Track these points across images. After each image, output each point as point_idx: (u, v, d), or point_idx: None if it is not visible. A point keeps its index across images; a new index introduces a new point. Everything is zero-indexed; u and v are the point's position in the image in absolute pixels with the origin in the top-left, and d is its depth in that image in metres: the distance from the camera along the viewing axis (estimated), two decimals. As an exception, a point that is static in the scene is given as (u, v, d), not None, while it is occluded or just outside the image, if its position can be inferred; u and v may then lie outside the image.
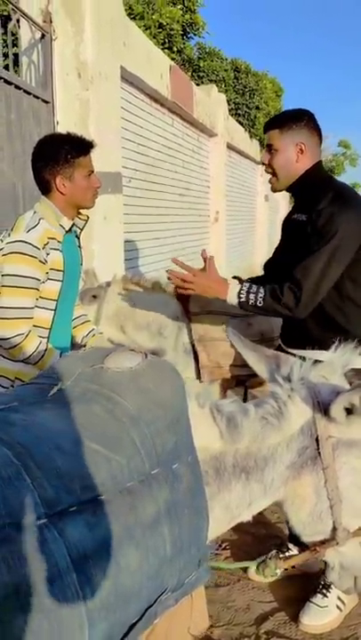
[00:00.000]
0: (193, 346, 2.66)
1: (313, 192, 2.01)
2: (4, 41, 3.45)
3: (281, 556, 1.43)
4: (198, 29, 8.96)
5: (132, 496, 0.89)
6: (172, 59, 7.83)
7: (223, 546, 2.69)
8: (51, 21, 3.81)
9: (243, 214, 12.15)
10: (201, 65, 11.14)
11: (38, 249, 1.97)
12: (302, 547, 1.39)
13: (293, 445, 1.23)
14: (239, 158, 11.48)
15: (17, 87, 3.38)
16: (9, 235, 2.01)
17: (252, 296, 1.94)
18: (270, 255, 2.44)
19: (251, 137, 12.51)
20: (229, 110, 10.93)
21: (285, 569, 2.33)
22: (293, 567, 2.38)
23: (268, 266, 2.37)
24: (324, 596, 2.17)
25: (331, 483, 1.21)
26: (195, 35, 9.16)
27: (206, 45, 11.30)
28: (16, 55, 3.70)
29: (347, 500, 1.24)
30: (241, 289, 1.96)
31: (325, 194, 1.95)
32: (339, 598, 2.18)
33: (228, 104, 11.16)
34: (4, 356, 2.06)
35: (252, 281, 2.40)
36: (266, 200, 14.68)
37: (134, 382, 1.04)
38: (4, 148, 3.27)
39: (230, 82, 11.96)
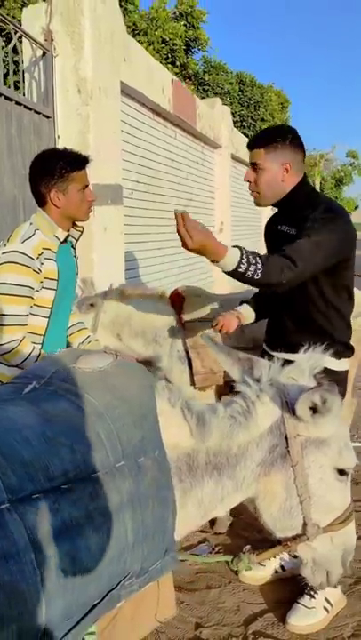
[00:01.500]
0: (187, 353, 2.73)
1: (300, 206, 2.05)
2: (5, 59, 3.57)
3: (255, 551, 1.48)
4: (202, 44, 9.10)
5: (95, 485, 0.95)
6: (176, 73, 7.97)
7: (216, 550, 2.73)
8: (52, 39, 3.94)
9: (248, 224, 12.24)
10: (206, 78, 11.33)
11: (32, 259, 2.05)
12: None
13: (264, 444, 1.29)
14: (244, 169, 11.57)
15: (17, 103, 3.49)
16: (5, 245, 2.10)
17: (252, 267, 1.78)
18: None
19: (256, 148, 12.63)
20: (234, 122, 11.08)
21: (259, 563, 2.40)
22: (283, 569, 2.44)
23: None
24: (312, 597, 2.20)
25: (300, 479, 1.27)
26: (199, 49, 9.31)
27: (211, 59, 11.50)
28: (16, 72, 3.82)
29: (316, 497, 1.30)
30: (242, 257, 1.78)
31: (315, 209, 2.00)
32: (326, 600, 2.21)
33: (234, 116, 11.32)
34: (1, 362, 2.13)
35: (257, 298, 2.42)
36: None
37: (103, 381, 1.10)
38: (5, 163, 3.38)
39: (235, 94, 12.13)
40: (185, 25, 8.58)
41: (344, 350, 2.08)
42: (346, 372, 2.14)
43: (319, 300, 2.06)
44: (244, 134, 11.89)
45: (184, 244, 1.75)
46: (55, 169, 2.10)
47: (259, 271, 1.78)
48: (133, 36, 7.69)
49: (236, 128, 11.20)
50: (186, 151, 7.40)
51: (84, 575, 0.88)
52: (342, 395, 2.16)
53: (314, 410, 1.25)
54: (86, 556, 0.88)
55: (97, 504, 0.93)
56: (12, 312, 2.04)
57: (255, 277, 1.79)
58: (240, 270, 1.78)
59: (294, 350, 1.45)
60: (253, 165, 2.10)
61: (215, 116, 8.47)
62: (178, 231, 1.73)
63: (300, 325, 2.10)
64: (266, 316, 2.39)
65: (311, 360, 1.36)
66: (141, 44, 7.41)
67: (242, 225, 11.38)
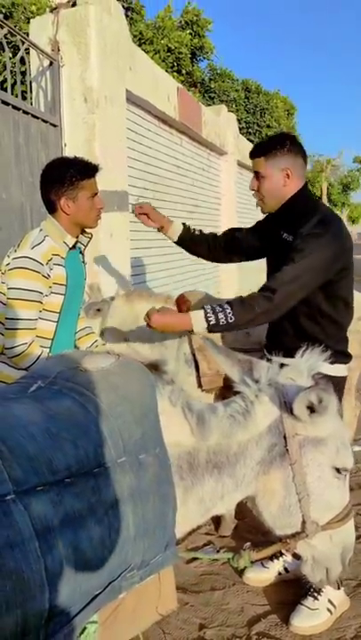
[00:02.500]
0: (194, 355, 2.76)
1: (299, 213, 2.09)
2: (12, 69, 3.64)
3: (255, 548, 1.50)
4: (207, 53, 9.19)
5: (97, 480, 0.99)
6: (182, 81, 8.05)
7: (221, 552, 2.75)
8: (58, 50, 4.02)
9: (255, 230, 12.25)
10: (212, 86, 11.42)
11: (42, 264, 2.10)
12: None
13: (263, 442, 1.32)
14: (250, 176, 11.59)
15: (25, 112, 3.56)
16: (15, 251, 2.15)
17: (221, 315, 1.90)
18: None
19: (262, 155, 12.69)
20: (240, 129, 11.15)
21: (263, 565, 2.43)
22: (287, 571, 2.46)
23: None
24: (315, 598, 2.22)
25: (298, 478, 1.30)
26: (204, 58, 9.40)
27: (217, 67, 11.59)
28: (23, 82, 3.90)
29: (315, 495, 1.33)
30: (206, 312, 1.91)
31: (311, 218, 2.04)
32: (330, 601, 2.23)
33: (240, 123, 11.38)
34: (6, 363, 2.18)
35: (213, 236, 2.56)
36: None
37: (105, 380, 1.14)
38: (13, 171, 3.45)
39: (241, 102, 12.21)
40: (190, 34, 8.68)
41: (340, 356, 2.09)
42: (342, 378, 2.15)
43: (312, 310, 2.10)
44: (250, 141, 11.94)
45: (153, 324, 1.97)
46: (66, 177, 2.15)
47: (230, 314, 1.90)
48: (140, 45, 7.78)
49: (243, 135, 11.26)
50: (192, 158, 7.46)
51: (85, 565, 0.91)
52: (339, 400, 2.19)
53: (311, 409, 1.28)
54: (88, 546, 0.92)
55: (99, 497, 0.97)
56: (21, 316, 2.08)
57: (230, 321, 1.90)
58: (211, 322, 1.90)
59: (290, 355, 1.48)
60: (256, 174, 2.16)
61: (221, 123, 8.54)
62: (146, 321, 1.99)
63: (293, 332, 2.14)
64: (192, 251, 2.62)
65: (309, 361, 1.39)
66: (147, 52, 7.50)
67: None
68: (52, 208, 2.22)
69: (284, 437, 1.31)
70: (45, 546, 0.85)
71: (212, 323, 1.90)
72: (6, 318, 2.10)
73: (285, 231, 2.17)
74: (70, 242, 2.23)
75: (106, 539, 0.95)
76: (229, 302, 1.93)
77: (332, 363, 1.93)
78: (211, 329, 1.92)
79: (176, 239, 2.58)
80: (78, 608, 0.91)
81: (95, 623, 0.96)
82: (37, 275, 2.09)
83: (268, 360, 1.45)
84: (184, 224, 2.59)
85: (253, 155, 2.16)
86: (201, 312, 1.91)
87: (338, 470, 1.34)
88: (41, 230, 2.20)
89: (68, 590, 0.87)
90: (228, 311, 1.90)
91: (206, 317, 1.90)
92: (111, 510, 0.98)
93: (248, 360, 1.47)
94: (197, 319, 1.91)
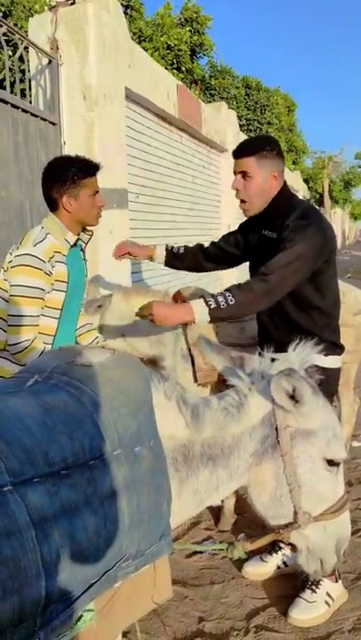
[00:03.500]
0: (190, 350, 2.79)
1: (280, 211, 2.14)
2: (12, 68, 3.65)
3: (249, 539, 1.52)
4: (207, 50, 9.19)
5: (92, 471, 1.00)
6: (182, 78, 8.05)
7: (224, 555, 2.77)
8: (57, 48, 4.03)
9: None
10: (212, 83, 11.42)
11: (44, 261, 2.13)
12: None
13: (256, 434, 1.34)
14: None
15: (24, 111, 3.58)
16: (17, 248, 2.18)
17: (220, 298, 1.90)
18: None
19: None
20: (241, 126, 11.15)
21: (262, 559, 2.47)
22: (286, 565, 2.48)
23: None
24: (313, 591, 2.24)
25: (289, 469, 1.32)
26: (204, 55, 9.40)
27: (218, 64, 11.59)
28: (23, 80, 3.91)
29: (306, 486, 1.35)
30: (205, 298, 1.92)
31: (292, 211, 2.10)
32: (328, 594, 2.25)
33: (240, 120, 11.39)
34: (8, 359, 2.20)
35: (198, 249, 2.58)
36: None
37: (101, 374, 1.16)
38: (12, 169, 3.46)
39: (242, 98, 12.21)
40: (190, 31, 8.67)
41: (332, 348, 2.11)
42: (336, 370, 2.18)
43: (301, 303, 2.12)
44: (251, 138, 11.95)
45: (155, 319, 1.94)
46: (68, 175, 2.18)
47: (229, 297, 1.89)
48: (139, 42, 7.78)
49: (243, 132, 11.25)
50: (192, 155, 7.47)
51: (81, 554, 0.93)
52: (333, 392, 2.21)
53: (294, 399, 1.30)
54: (84, 536, 0.94)
55: (94, 489, 0.99)
56: (24, 313, 2.11)
57: (230, 303, 1.89)
58: (212, 306, 1.89)
59: (283, 350, 1.50)
60: (243, 174, 2.16)
61: (221, 120, 8.54)
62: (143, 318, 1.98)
63: (284, 326, 2.17)
64: (181, 267, 2.63)
65: (301, 354, 1.41)
66: (147, 50, 7.51)
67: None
68: (53, 206, 2.25)
69: (276, 429, 1.33)
70: (41, 535, 0.87)
71: (212, 307, 1.89)
72: (9, 315, 2.12)
73: (268, 229, 2.21)
74: (72, 239, 2.26)
75: (101, 529, 0.97)
76: (227, 288, 1.95)
77: (325, 355, 1.96)
78: (213, 314, 1.90)
79: (163, 263, 2.62)
80: (74, 596, 0.93)
81: (92, 611, 0.98)
82: (40, 272, 2.12)
83: (261, 355, 1.47)
84: (167, 246, 2.62)
85: (241, 154, 2.15)
86: (200, 300, 1.92)
87: (329, 462, 1.36)
88: (42, 228, 2.22)
89: (63, 578, 0.90)
90: (228, 294, 1.90)
91: (207, 302, 1.89)
92: (106, 501, 1.00)
93: (240, 356, 1.49)
94: (198, 306, 1.91)
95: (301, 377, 1.29)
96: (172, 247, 2.60)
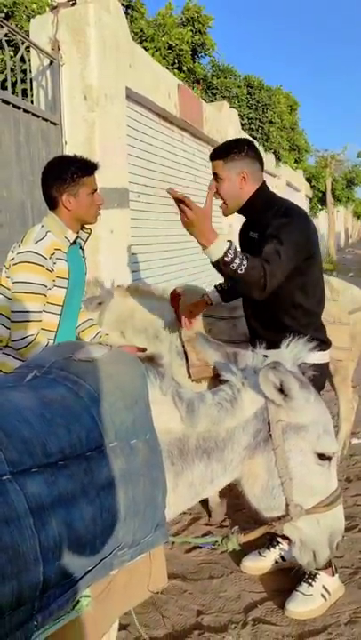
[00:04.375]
0: (183, 347, 2.84)
1: (259, 210, 2.18)
2: (13, 69, 3.69)
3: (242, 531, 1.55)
4: (209, 49, 9.21)
5: (89, 463, 1.04)
6: (183, 78, 8.07)
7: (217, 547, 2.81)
8: (58, 48, 4.07)
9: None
10: (214, 82, 11.42)
11: (45, 258, 2.18)
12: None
13: (249, 428, 1.37)
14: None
15: (25, 111, 3.61)
16: (19, 246, 2.22)
17: (237, 261, 1.80)
18: None
19: (265, 150, 12.70)
20: (243, 125, 11.16)
21: (260, 554, 2.45)
22: (283, 560, 2.51)
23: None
24: (310, 585, 2.27)
25: (281, 462, 1.35)
26: (205, 54, 9.41)
27: (219, 63, 11.59)
28: (24, 81, 3.95)
29: (298, 479, 1.38)
30: (230, 248, 1.80)
31: (272, 210, 2.13)
32: (324, 588, 2.28)
33: (242, 119, 11.39)
34: (11, 355, 2.24)
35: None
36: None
37: (98, 369, 1.20)
38: (14, 169, 3.50)
39: (243, 98, 12.20)
40: (191, 30, 8.69)
41: (320, 344, 2.12)
42: (322, 365, 2.20)
43: (285, 303, 2.15)
44: (253, 137, 11.94)
45: (183, 217, 1.80)
46: (67, 174, 2.24)
47: (243, 266, 1.81)
48: (140, 42, 7.81)
49: (245, 131, 11.26)
50: (193, 154, 7.49)
51: (78, 542, 0.97)
52: (321, 386, 2.24)
53: (283, 393, 1.33)
54: (80, 524, 0.97)
55: (91, 479, 1.02)
56: (28, 309, 2.15)
57: (239, 272, 1.81)
58: (226, 259, 1.79)
59: (272, 348, 1.53)
60: (215, 176, 2.22)
61: (222, 119, 8.56)
62: (178, 204, 1.78)
63: (269, 325, 2.21)
64: (234, 297, 2.66)
65: (294, 350, 1.44)
66: (148, 50, 7.54)
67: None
68: (53, 204, 2.29)
69: (268, 424, 1.36)
70: (39, 522, 0.91)
71: (227, 259, 1.79)
72: (13, 311, 2.16)
73: (251, 230, 2.26)
74: (71, 237, 2.30)
75: (97, 518, 1.01)
76: (247, 257, 1.84)
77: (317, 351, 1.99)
78: (219, 262, 1.82)
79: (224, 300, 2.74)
80: (72, 582, 0.96)
81: (88, 597, 1.01)
82: (42, 268, 2.16)
83: (254, 351, 1.50)
84: (216, 287, 2.74)
85: (212, 157, 2.23)
86: (227, 244, 1.80)
87: (321, 456, 1.39)
88: (42, 226, 2.26)
89: (61, 564, 0.93)
90: (244, 262, 1.81)
91: (227, 251, 1.79)
92: (103, 491, 1.04)
93: (234, 352, 1.53)
94: (219, 245, 1.80)
95: (288, 371, 1.32)
96: (216, 286, 2.74)
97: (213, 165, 2.22)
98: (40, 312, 2.19)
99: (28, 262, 2.15)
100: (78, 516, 0.97)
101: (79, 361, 1.22)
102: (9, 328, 2.22)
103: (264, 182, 2.25)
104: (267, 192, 2.25)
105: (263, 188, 2.23)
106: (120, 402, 1.16)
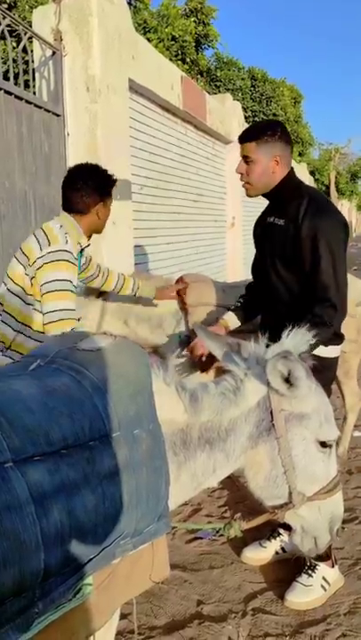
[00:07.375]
0: (188, 336, 2.84)
1: (287, 197, 2.15)
2: (15, 59, 3.67)
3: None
4: (212, 41, 9.16)
5: (92, 451, 1.04)
6: (186, 69, 8.03)
7: (221, 533, 2.82)
8: (61, 39, 4.05)
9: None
10: (218, 74, 11.38)
11: (76, 258, 2.23)
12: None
13: (251, 418, 1.38)
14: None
15: (28, 102, 3.60)
16: (40, 246, 2.20)
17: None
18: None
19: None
20: (246, 118, 11.11)
21: (260, 545, 2.49)
22: (284, 551, 2.52)
23: (255, 271, 2.47)
24: (310, 575, 2.28)
25: (284, 451, 1.36)
26: (209, 46, 9.37)
27: (223, 55, 11.54)
28: (26, 72, 3.93)
29: (300, 467, 1.39)
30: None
31: (300, 200, 2.10)
32: (324, 579, 2.29)
33: (245, 112, 11.35)
34: (4, 322, 2.27)
35: (244, 303, 2.49)
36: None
37: (102, 359, 1.20)
38: (16, 160, 3.50)
39: (247, 90, 12.16)
40: (195, 22, 8.64)
41: (333, 338, 2.13)
42: (335, 359, 2.20)
43: (302, 295, 2.13)
44: (256, 129, 11.89)
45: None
46: (110, 185, 2.37)
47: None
48: (144, 33, 7.77)
49: (248, 123, 11.21)
50: (196, 147, 7.47)
51: (80, 530, 0.97)
52: (330, 381, 2.24)
53: (288, 382, 1.33)
54: (82, 513, 0.98)
55: (93, 468, 1.03)
56: (62, 307, 2.15)
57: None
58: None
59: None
60: (245, 158, 2.18)
61: (226, 111, 8.53)
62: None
63: (290, 318, 2.17)
64: (253, 317, 2.49)
65: (295, 339, 1.44)
66: (152, 41, 7.50)
67: (254, 219, 11.39)
68: (83, 209, 2.32)
69: (271, 413, 1.37)
70: (41, 510, 0.91)
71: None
72: (50, 311, 2.14)
73: (275, 216, 2.23)
74: (84, 244, 2.37)
75: (99, 506, 1.01)
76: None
77: (325, 345, 1.99)
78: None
79: (242, 322, 2.53)
80: (73, 570, 0.97)
81: (90, 585, 1.02)
82: (74, 267, 2.21)
83: (257, 341, 1.50)
84: (230, 309, 2.52)
85: (244, 139, 2.18)
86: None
87: (322, 444, 1.40)
88: (61, 227, 2.27)
89: (62, 552, 0.94)
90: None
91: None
92: (105, 480, 1.04)
93: (237, 342, 1.53)
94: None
95: (297, 360, 1.33)
96: (235, 307, 2.51)
97: (243, 147, 2.18)
98: (74, 309, 2.20)
99: (63, 260, 2.16)
100: (80, 504, 0.98)
101: (83, 350, 1.22)
102: (15, 330, 2.23)
103: (292, 168, 2.23)
104: (295, 179, 2.23)
105: (292, 174, 2.21)
106: (124, 391, 1.16)
